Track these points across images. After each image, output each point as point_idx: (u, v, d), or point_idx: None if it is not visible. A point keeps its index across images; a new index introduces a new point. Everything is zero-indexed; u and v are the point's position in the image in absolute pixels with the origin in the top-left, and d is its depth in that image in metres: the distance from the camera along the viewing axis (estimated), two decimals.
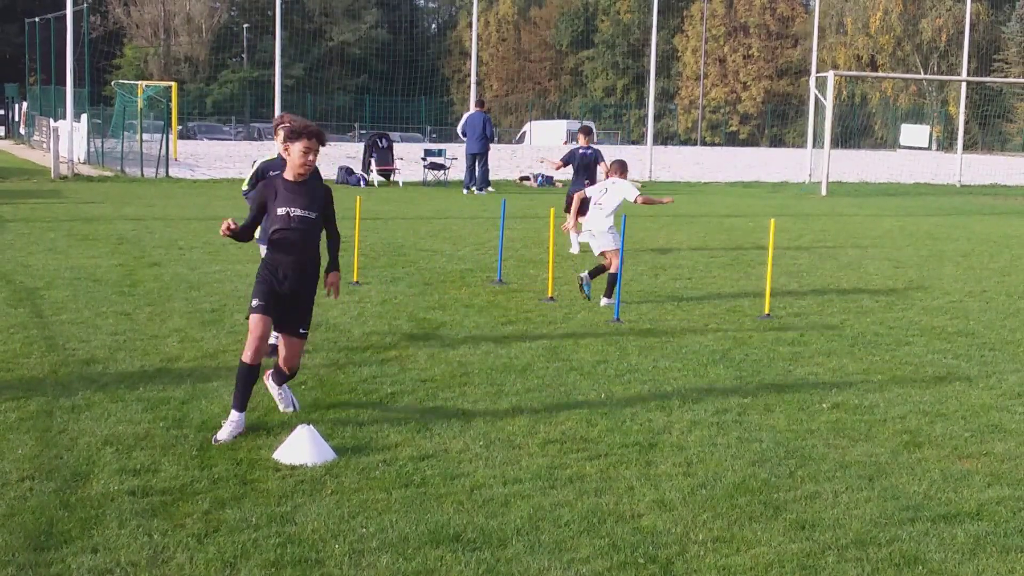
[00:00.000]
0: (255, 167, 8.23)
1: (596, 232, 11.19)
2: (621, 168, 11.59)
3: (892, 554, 4.92)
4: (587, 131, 16.00)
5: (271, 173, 7.47)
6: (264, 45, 68.74)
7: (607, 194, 11.29)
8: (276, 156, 7.83)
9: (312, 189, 6.48)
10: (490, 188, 26.96)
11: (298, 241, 6.39)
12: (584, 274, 11.29)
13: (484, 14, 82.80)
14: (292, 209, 6.35)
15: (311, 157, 6.39)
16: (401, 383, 7.62)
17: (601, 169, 15.01)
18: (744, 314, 10.79)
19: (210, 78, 76.00)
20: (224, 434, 6.25)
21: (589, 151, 15.55)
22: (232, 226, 6.23)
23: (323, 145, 6.43)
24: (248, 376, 6.36)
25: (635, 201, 11.28)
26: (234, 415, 6.34)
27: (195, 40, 75.71)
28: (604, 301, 10.95)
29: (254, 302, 6.38)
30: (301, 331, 6.57)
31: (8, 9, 66.02)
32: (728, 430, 6.74)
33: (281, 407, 6.85)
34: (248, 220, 6.47)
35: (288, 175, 6.44)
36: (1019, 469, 6.18)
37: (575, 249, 15.26)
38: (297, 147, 6.34)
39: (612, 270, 10.94)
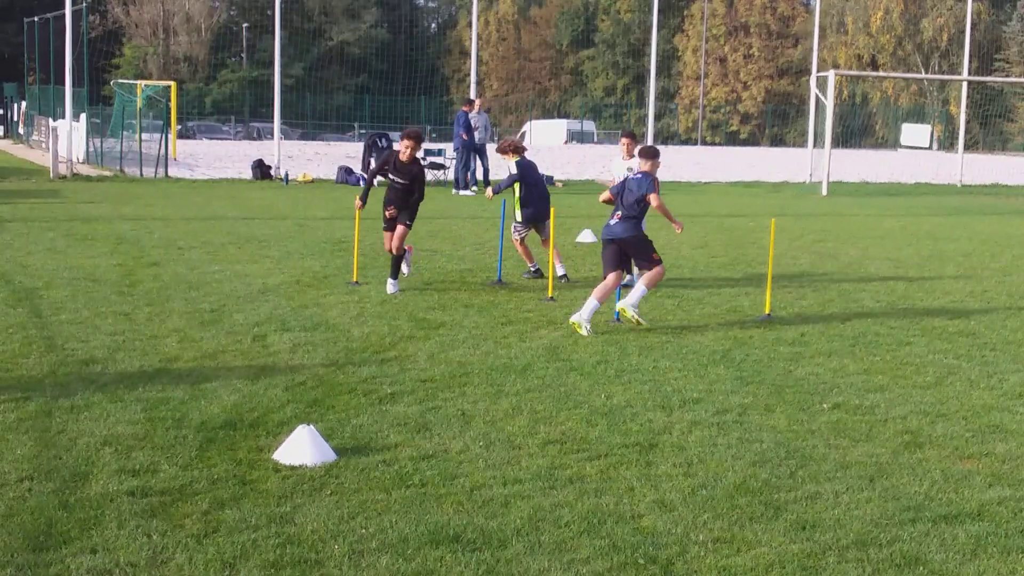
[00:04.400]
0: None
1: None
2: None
3: (893, 555, 4.91)
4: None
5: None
6: (263, 44, 68.68)
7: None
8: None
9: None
10: (474, 188, 26.42)
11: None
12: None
13: (484, 13, 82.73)
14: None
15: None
16: (401, 383, 7.61)
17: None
18: (744, 314, 10.77)
19: (209, 77, 75.93)
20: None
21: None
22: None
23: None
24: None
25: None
26: None
27: (194, 39, 75.60)
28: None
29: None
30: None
31: (7, 8, 65.92)
32: (729, 430, 6.73)
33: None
34: None
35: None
36: (1020, 470, 6.17)
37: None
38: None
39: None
